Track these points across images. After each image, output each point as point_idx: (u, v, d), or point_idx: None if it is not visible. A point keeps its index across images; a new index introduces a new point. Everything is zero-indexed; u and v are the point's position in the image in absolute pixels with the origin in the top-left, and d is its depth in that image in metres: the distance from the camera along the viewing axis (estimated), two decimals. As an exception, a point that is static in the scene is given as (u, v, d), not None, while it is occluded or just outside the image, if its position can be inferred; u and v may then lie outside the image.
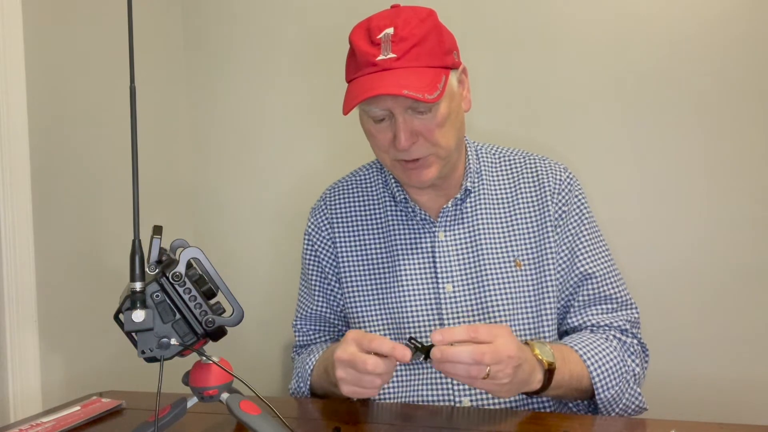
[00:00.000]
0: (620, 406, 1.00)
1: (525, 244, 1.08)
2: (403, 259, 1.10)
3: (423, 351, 0.85)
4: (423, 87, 0.91)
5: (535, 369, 0.90)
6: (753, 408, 1.35)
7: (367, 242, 1.14)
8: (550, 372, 0.91)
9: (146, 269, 0.75)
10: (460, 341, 0.81)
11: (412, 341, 0.86)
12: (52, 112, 1.27)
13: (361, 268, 1.13)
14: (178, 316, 0.76)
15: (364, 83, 0.94)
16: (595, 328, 1.06)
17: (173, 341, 0.76)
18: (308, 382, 1.09)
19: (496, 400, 1.02)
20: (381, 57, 0.94)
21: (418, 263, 1.09)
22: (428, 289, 1.08)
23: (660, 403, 1.20)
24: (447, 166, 1.04)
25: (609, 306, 1.07)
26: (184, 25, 1.73)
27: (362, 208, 1.17)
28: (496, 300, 1.05)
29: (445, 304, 1.06)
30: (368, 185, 1.18)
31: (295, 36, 1.65)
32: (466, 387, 1.03)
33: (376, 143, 1.03)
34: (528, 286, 1.06)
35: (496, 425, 0.89)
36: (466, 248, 1.08)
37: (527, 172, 1.13)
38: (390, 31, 0.94)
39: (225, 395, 0.80)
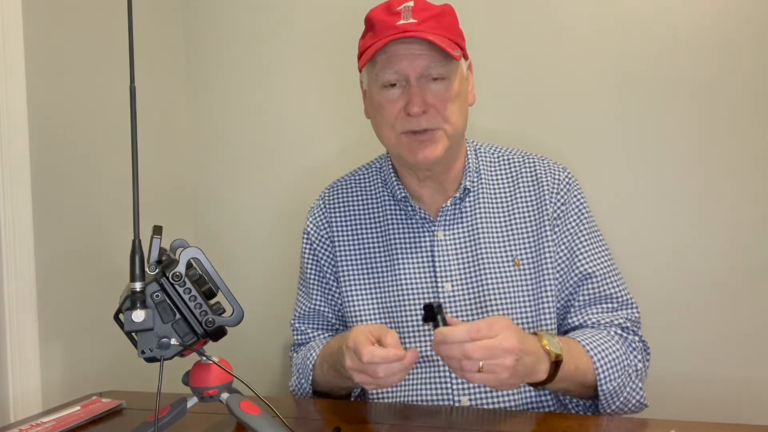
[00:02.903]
0: (621, 399, 0.99)
1: (523, 243, 1.08)
2: (402, 258, 1.10)
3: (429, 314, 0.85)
4: (446, 46, 0.95)
5: (540, 360, 0.89)
6: (753, 408, 1.35)
7: (366, 241, 1.14)
8: (556, 364, 0.90)
9: (146, 269, 0.75)
10: (460, 341, 0.80)
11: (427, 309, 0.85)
12: (52, 112, 1.27)
13: (360, 267, 1.13)
14: (178, 316, 0.76)
15: (384, 43, 0.97)
16: (596, 327, 1.06)
17: (173, 341, 0.76)
18: (310, 379, 1.09)
19: (495, 400, 1.02)
20: (402, 21, 0.97)
21: (417, 262, 1.09)
22: (427, 287, 1.08)
23: (660, 402, 1.20)
24: (452, 149, 1.04)
25: (609, 305, 1.07)
26: (184, 25, 1.73)
27: (361, 208, 1.17)
28: (495, 299, 1.05)
29: (444, 303, 1.06)
30: (367, 185, 1.18)
31: (295, 35, 1.65)
32: (465, 386, 1.02)
33: (384, 115, 1.02)
34: (526, 285, 1.06)
35: (496, 425, 0.89)
36: (465, 247, 1.08)
37: (526, 172, 1.13)
38: (410, 3, 0.98)
39: (225, 395, 0.81)
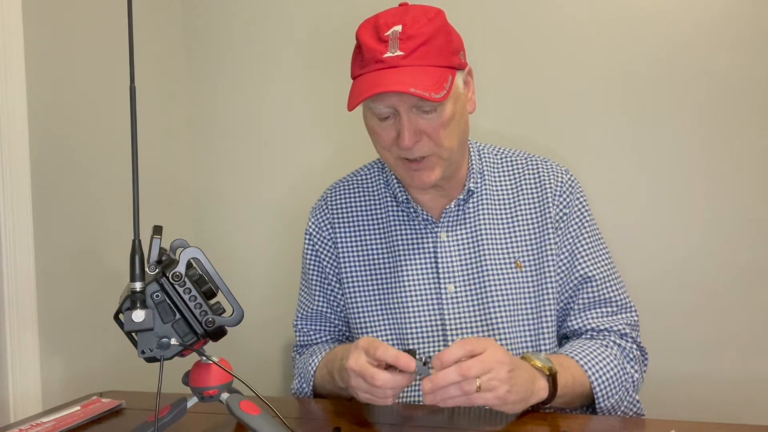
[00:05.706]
0: (618, 413, 1.00)
1: (526, 245, 1.08)
2: (405, 260, 1.10)
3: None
4: (430, 86, 0.91)
5: (535, 376, 0.90)
6: (753, 408, 1.34)
7: (369, 242, 1.14)
8: (552, 378, 0.91)
9: (146, 269, 0.75)
10: (458, 358, 0.81)
11: (412, 352, 0.85)
12: (52, 112, 1.27)
13: (363, 268, 1.13)
14: (178, 316, 0.76)
15: (370, 80, 0.94)
16: (594, 333, 1.06)
17: (173, 341, 0.76)
18: (311, 383, 1.09)
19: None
20: (388, 54, 0.93)
21: (420, 264, 1.09)
22: (430, 289, 1.08)
23: (659, 403, 1.20)
24: (450, 168, 1.04)
25: (608, 309, 1.07)
26: (184, 25, 1.73)
27: (363, 208, 1.16)
28: (497, 301, 1.05)
29: (447, 304, 1.06)
30: (369, 185, 1.18)
31: (295, 35, 1.65)
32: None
33: (379, 141, 1.02)
34: (528, 287, 1.06)
35: (496, 425, 0.89)
36: (468, 249, 1.08)
37: (529, 174, 1.13)
38: (398, 28, 0.94)
39: (225, 395, 0.81)
